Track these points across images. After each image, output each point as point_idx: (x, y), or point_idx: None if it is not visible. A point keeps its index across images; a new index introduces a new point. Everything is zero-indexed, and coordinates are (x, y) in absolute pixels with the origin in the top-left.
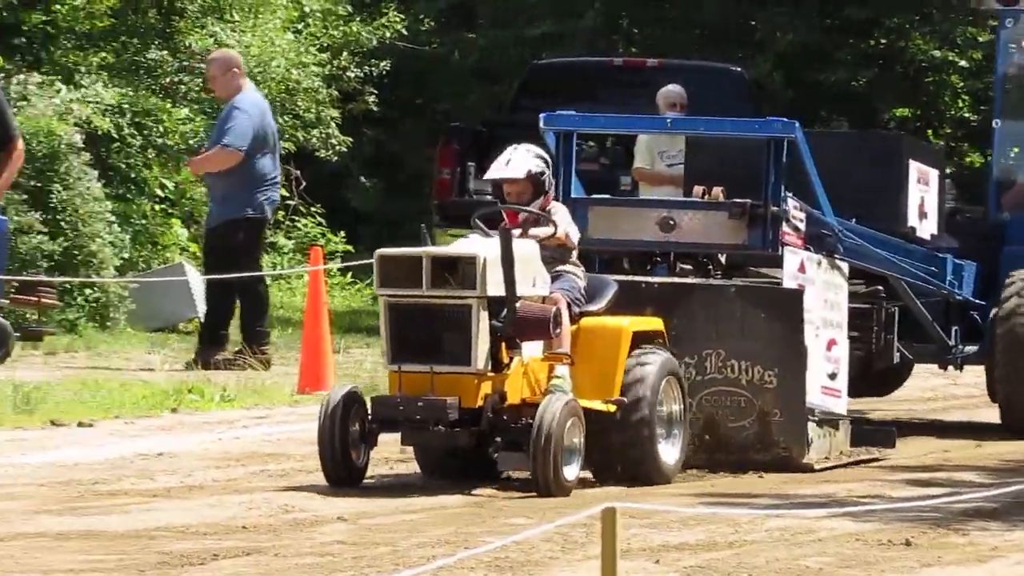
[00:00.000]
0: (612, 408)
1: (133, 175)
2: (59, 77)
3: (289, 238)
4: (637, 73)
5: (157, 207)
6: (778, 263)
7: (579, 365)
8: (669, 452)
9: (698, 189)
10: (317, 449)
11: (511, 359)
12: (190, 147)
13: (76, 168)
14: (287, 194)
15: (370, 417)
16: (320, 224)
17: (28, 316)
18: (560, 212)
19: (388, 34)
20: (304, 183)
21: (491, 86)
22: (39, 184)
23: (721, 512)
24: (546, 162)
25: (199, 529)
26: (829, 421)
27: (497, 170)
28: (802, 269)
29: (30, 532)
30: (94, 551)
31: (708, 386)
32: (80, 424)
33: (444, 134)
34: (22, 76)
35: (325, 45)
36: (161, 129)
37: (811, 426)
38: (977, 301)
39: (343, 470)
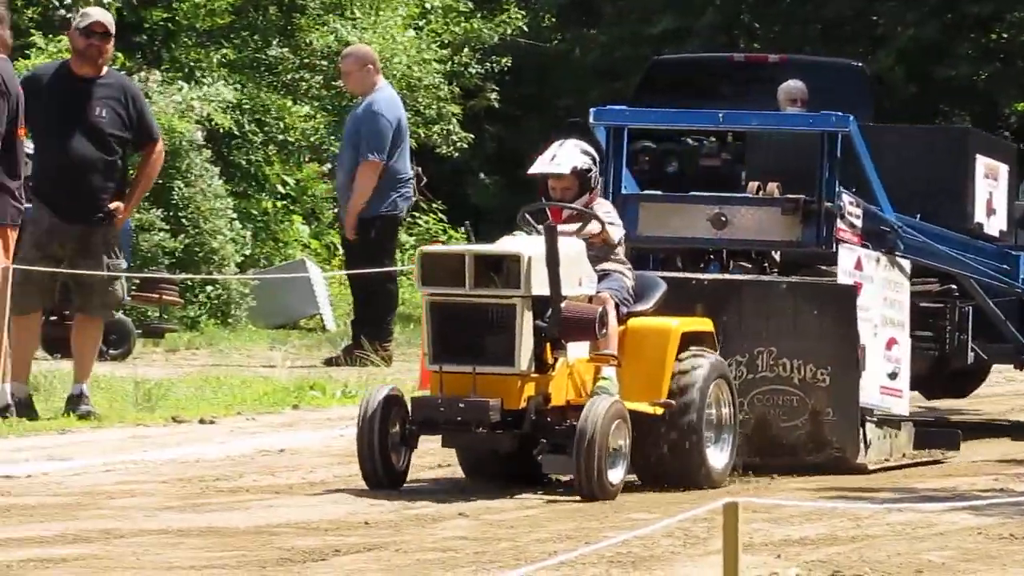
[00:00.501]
0: (659, 411)
1: (254, 172)
2: (180, 75)
3: (410, 235)
4: (759, 69)
5: (278, 204)
6: (835, 260)
7: (626, 367)
8: (718, 457)
9: (752, 185)
10: (356, 452)
11: (555, 360)
12: (311, 144)
13: (197, 165)
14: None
15: (410, 418)
16: (441, 220)
17: (150, 313)
18: (604, 208)
19: (509, 30)
20: (425, 179)
21: (612, 82)
22: (160, 181)
23: (842, 506)
24: (593, 159)
25: (320, 525)
26: (890, 422)
27: (542, 165)
28: (859, 266)
29: (152, 529)
30: (215, 548)
31: (759, 385)
32: (201, 421)
33: (564, 130)
34: (143, 74)
35: (446, 42)
36: (282, 126)
37: (870, 427)
38: None
39: (383, 473)
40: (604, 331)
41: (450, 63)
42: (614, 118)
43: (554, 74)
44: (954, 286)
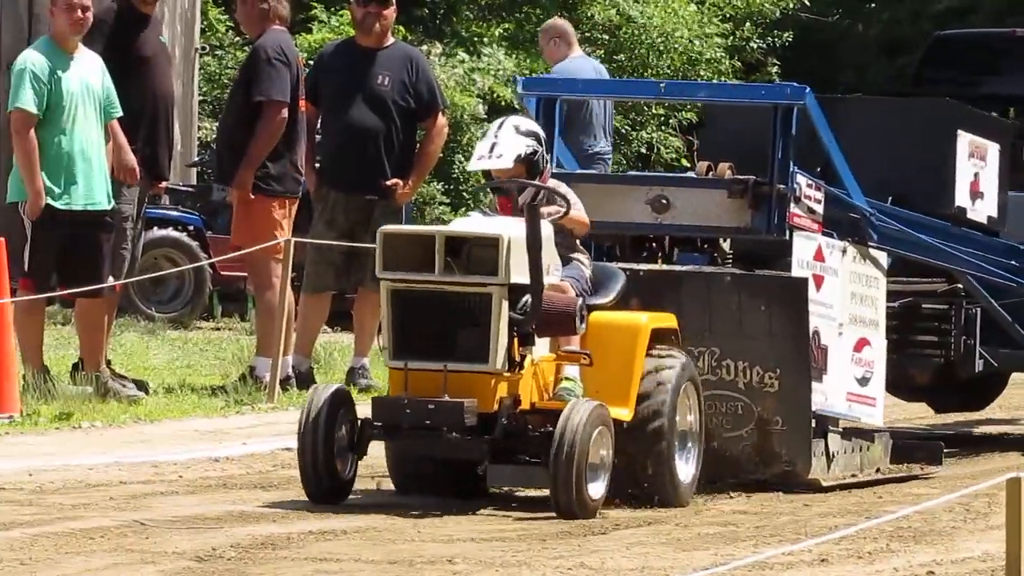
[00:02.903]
0: (627, 417)
1: None
2: (461, 48)
3: None
4: None
5: None
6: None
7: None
8: (684, 469)
9: (702, 165)
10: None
11: (522, 357)
12: None
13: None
14: (687, 164)
15: (372, 421)
16: None
17: None
18: (566, 189)
19: (791, 5)
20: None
21: (894, 58)
22: (442, 155)
23: None
24: (536, 137)
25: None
26: (860, 433)
27: (482, 160)
28: (820, 257)
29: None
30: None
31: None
32: None
33: None
34: (425, 47)
35: (728, 16)
36: None
37: (834, 438)
38: None
39: (326, 483)
40: (583, 326)
41: (732, 37)
42: (544, 87)
43: (836, 49)
44: (960, 285)
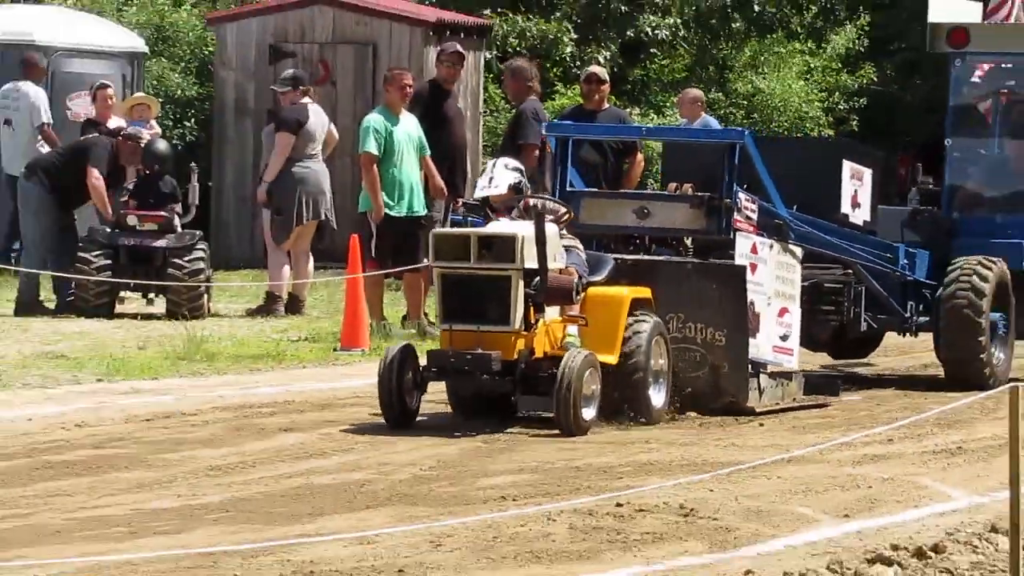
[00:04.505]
0: (613, 361)
1: None
2: (651, 110)
3: None
4: None
5: None
6: (733, 246)
7: (587, 326)
8: (657, 397)
9: (672, 185)
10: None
11: (536, 320)
12: None
13: None
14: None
15: (424, 367)
16: None
17: None
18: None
19: (864, 81)
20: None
21: (932, 114)
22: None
23: None
24: (519, 170)
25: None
26: (782, 374)
27: (484, 190)
28: (754, 250)
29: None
30: None
31: (671, 343)
32: None
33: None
34: (628, 110)
35: (823, 87)
36: None
37: (764, 377)
38: (929, 282)
39: (399, 412)
40: (580, 297)
41: (826, 102)
42: (562, 130)
43: (894, 109)
44: (851, 271)
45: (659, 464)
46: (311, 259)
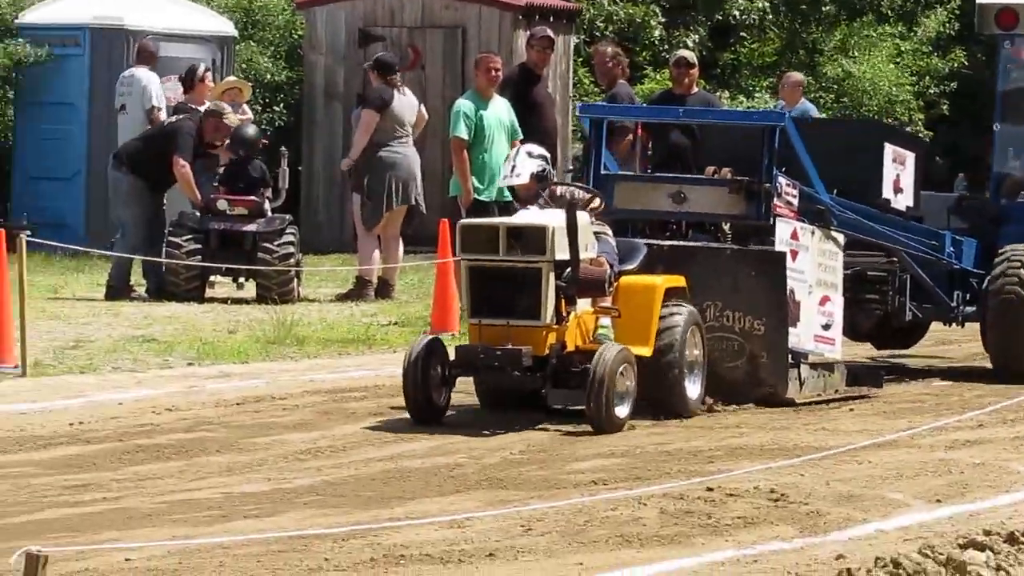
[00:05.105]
0: (648, 353)
1: None
2: (741, 94)
3: None
4: None
5: None
6: (772, 232)
7: (620, 317)
8: (692, 389)
9: (709, 169)
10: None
11: (568, 313)
12: None
13: None
14: None
15: (455, 363)
16: None
17: None
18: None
19: (955, 65)
20: None
21: None
22: None
23: None
24: (544, 158)
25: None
26: (824, 364)
27: (506, 179)
28: (795, 237)
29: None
30: None
31: (707, 332)
32: None
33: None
34: (717, 94)
35: (914, 71)
36: None
37: (805, 368)
38: (976, 270)
39: (424, 407)
40: (611, 288)
41: (917, 85)
42: (596, 112)
43: (980, 92)
44: (895, 259)
45: (749, 448)
46: (401, 244)
